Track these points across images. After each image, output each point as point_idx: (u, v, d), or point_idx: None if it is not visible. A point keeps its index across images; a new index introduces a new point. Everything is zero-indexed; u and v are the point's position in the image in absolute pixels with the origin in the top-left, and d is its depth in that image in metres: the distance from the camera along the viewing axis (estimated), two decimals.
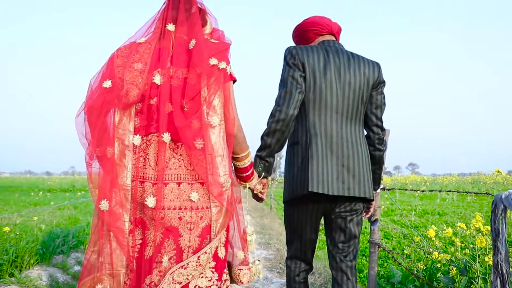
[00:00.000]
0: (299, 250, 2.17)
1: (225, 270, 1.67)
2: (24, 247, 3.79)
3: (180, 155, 1.58)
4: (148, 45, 1.64)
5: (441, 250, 3.01)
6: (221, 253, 1.62)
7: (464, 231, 2.61)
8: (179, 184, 1.56)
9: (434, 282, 2.62)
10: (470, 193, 1.87)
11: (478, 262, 2.32)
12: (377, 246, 2.75)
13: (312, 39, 2.17)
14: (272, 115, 1.95)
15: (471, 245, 2.63)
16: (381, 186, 2.35)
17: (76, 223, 6.13)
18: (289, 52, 2.00)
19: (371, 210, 2.26)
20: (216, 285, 1.57)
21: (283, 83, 1.99)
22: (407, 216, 9.62)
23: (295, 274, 2.19)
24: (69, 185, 22.65)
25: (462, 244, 2.80)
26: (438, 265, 2.75)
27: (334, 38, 2.15)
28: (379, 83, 2.07)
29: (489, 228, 2.09)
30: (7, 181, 32.55)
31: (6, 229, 4.21)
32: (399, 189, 2.66)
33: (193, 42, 1.63)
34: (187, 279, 1.51)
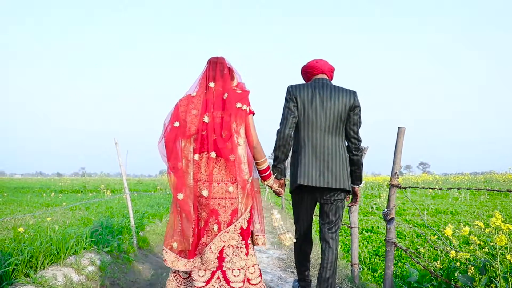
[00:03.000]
0: (300, 223, 3.09)
1: (250, 237, 2.62)
2: (38, 248, 3.80)
3: (220, 166, 2.52)
4: (199, 98, 2.59)
5: (458, 249, 2.96)
6: (244, 225, 2.56)
7: (482, 230, 2.57)
8: (218, 183, 2.51)
9: (452, 281, 2.58)
10: (491, 190, 1.85)
11: (499, 261, 2.27)
12: (393, 245, 2.72)
13: (310, 77, 3.09)
14: (277, 135, 2.89)
15: (491, 244, 2.58)
16: (363, 183, 3.12)
17: (89, 223, 6.15)
18: (287, 90, 2.95)
19: (358, 200, 3.23)
20: (240, 243, 2.53)
21: (283, 112, 2.92)
22: (420, 216, 9.54)
23: (299, 243, 3.10)
24: (80, 186, 22.69)
25: (481, 243, 2.75)
26: (457, 264, 2.69)
27: (325, 76, 3.04)
28: (355, 107, 2.91)
29: (510, 226, 2.07)
30: (19, 183, 32.82)
31: (21, 229, 4.24)
32: (416, 187, 2.63)
33: (226, 94, 2.56)
34: (228, 239, 2.48)
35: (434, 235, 6.55)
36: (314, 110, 2.86)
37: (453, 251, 2.50)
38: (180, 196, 2.48)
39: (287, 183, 3.06)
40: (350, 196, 3.12)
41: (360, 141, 2.96)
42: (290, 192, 3.03)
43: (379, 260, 4.91)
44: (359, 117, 2.94)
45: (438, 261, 2.96)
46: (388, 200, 2.78)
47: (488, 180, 22.14)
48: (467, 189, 2.26)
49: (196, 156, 2.52)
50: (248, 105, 2.58)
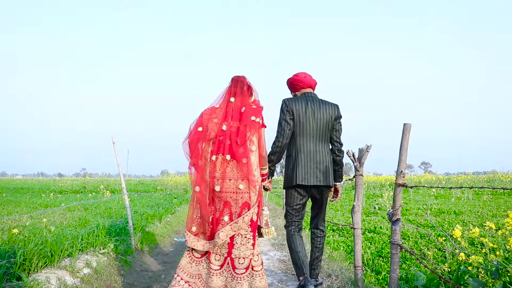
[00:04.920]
0: (294, 217, 3.55)
1: (257, 230, 3.03)
2: (32, 250, 3.69)
3: (232, 166, 2.94)
4: (220, 110, 3.06)
5: (467, 251, 2.82)
6: (254, 218, 2.95)
7: (493, 231, 2.44)
8: (230, 180, 2.92)
9: (462, 286, 2.44)
10: (505, 189, 1.73)
11: None
12: (398, 248, 2.59)
13: (298, 90, 3.60)
14: (274, 143, 3.41)
15: (507, 247, 2.44)
16: (343, 180, 3.73)
17: (86, 224, 6.03)
18: (284, 103, 3.44)
19: (339, 195, 3.65)
20: (249, 233, 2.92)
21: (280, 123, 3.41)
22: (423, 216, 9.39)
23: (292, 233, 3.54)
24: (80, 186, 22.54)
25: (493, 245, 2.61)
26: (470, 268, 2.55)
27: (311, 90, 3.59)
28: (338, 117, 3.49)
29: None
30: (19, 183, 32.73)
31: (15, 231, 4.13)
32: (423, 186, 2.50)
33: (243, 108, 3.03)
34: (238, 229, 2.88)
35: (439, 236, 6.41)
36: (307, 121, 3.38)
37: (462, 254, 2.37)
38: (197, 188, 2.94)
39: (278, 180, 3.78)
40: (332, 192, 3.68)
41: (341, 144, 3.53)
42: (284, 188, 3.61)
43: (383, 261, 4.78)
44: (341, 125, 3.54)
45: (446, 264, 2.82)
46: (394, 200, 2.64)
47: (491, 180, 21.98)
48: (478, 188, 2.13)
49: (213, 157, 2.96)
50: (262, 119, 3.05)
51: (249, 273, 2.91)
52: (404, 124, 2.64)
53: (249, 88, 3.16)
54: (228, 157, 2.94)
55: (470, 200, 13.79)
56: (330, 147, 3.54)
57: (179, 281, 2.98)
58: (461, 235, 2.59)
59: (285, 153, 3.56)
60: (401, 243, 2.57)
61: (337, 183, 3.60)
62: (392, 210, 2.60)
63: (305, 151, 3.40)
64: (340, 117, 3.51)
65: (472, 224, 7.81)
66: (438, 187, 2.18)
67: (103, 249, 4.79)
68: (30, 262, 3.62)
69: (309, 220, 3.84)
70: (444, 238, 3.09)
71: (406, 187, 2.55)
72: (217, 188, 2.92)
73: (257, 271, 2.94)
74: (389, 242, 2.67)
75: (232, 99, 3.07)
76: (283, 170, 3.89)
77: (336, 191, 3.65)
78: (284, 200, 3.72)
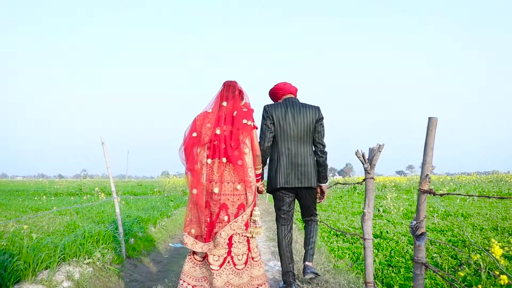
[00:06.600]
0: (282, 218, 3.64)
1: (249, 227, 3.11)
2: (3, 262, 3.29)
3: (229, 169, 3.04)
4: (213, 114, 3.14)
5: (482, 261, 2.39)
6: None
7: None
8: (228, 183, 3.02)
9: None
10: None
11: None
12: (423, 267, 2.16)
13: (280, 97, 3.71)
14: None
15: None
16: (329, 183, 3.63)
17: (74, 230, 5.59)
18: (264, 109, 3.55)
19: (325, 196, 3.72)
20: (244, 231, 3.03)
21: (261, 128, 3.50)
22: (430, 219, 8.97)
23: (282, 235, 3.63)
24: (76, 188, 22.04)
25: None
26: None
27: (292, 95, 3.69)
28: (319, 119, 3.54)
29: None
30: (15, 185, 32.22)
31: None
32: (458, 194, 2.06)
33: (235, 112, 3.12)
34: (237, 228, 2.99)
35: (450, 242, 5.98)
36: (288, 125, 3.48)
37: (504, 276, 1.96)
38: (195, 191, 3.02)
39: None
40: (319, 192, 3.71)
41: (324, 146, 3.58)
42: (268, 192, 3.68)
43: (393, 272, 4.36)
44: (323, 127, 3.57)
45: (479, 286, 2.40)
46: (417, 210, 2.20)
47: (496, 180, 21.57)
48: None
49: (209, 161, 3.06)
50: (253, 121, 3.15)
51: (248, 266, 3.03)
52: (430, 118, 2.19)
53: (240, 92, 3.26)
54: (224, 160, 3.03)
55: (475, 202, 13.37)
56: (313, 149, 3.58)
57: (185, 287, 3.03)
58: (502, 254, 2.15)
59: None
60: (426, 261, 2.14)
61: (322, 184, 3.62)
62: (415, 222, 2.17)
63: (286, 154, 3.48)
64: (322, 118, 3.55)
65: (483, 228, 7.40)
66: (469, 195, 1.78)
67: (88, 258, 4.39)
68: (2, 277, 3.22)
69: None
70: (478, 253, 2.65)
71: (434, 194, 2.12)
72: (216, 190, 3.00)
73: (256, 261, 3.11)
74: (412, 259, 2.24)
75: (224, 103, 3.17)
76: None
77: (322, 192, 3.69)
78: (274, 203, 3.77)
